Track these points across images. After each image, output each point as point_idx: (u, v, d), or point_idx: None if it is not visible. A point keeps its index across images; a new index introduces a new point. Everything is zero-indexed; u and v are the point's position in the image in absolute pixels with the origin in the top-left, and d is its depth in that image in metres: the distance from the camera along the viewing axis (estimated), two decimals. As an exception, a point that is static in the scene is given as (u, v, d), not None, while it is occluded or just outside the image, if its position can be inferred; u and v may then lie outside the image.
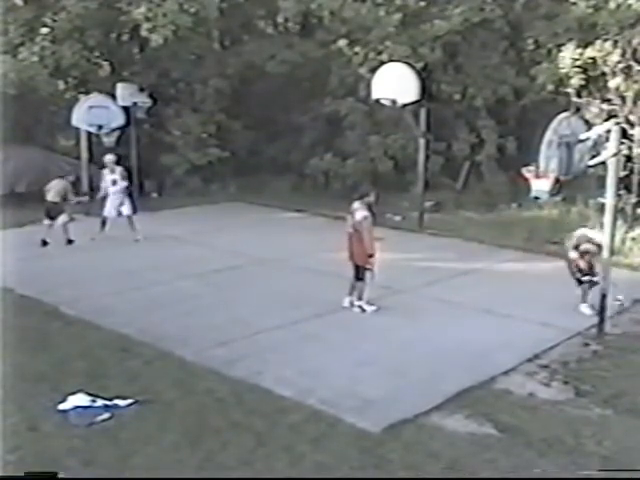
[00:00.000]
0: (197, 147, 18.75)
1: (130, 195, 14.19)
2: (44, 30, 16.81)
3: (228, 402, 6.91)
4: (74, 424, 6.43)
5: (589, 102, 13.69)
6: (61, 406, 6.69)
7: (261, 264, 12.30)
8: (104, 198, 13.80)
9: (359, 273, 9.67)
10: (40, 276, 11.13)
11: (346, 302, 9.80)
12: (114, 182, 13.67)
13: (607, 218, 8.82)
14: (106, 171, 13.83)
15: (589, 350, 8.50)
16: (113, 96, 17.93)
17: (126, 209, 13.86)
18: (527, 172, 13.64)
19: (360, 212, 9.51)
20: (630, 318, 9.64)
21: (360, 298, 9.75)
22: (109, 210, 13.73)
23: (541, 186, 13.39)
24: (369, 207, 9.65)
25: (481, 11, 15.81)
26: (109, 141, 18.41)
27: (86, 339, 8.54)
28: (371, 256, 9.54)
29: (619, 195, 10.99)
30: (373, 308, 9.72)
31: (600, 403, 7.04)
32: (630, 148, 12.88)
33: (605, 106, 13.44)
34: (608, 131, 8.79)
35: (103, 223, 13.78)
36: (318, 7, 16.47)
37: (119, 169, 13.86)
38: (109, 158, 13.85)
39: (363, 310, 9.70)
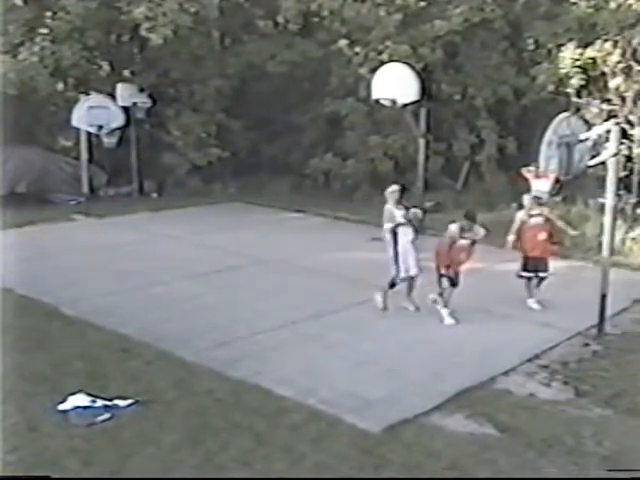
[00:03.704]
0: (197, 147, 18.76)
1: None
2: (44, 30, 16.78)
3: (228, 402, 6.90)
4: (74, 424, 6.43)
5: (589, 102, 13.69)
6: (61, 406, 6.69)
7: (261, 264, 12.29)
8: (396, 251, 9.48)
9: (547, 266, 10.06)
10: (40, 276, 11.13)
11: (534, 303, 9.96)
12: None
13: (607, 218, 8.82)
14: (390, 206, 9.39)
15: (589, 350, 8.50)
16: (113, 96, 17.97)
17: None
18: (527, 172, 13.67)
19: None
20: (630, 318, 9.65)
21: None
22: (414, 266, 9.54)
23: (541, 186, 13.42)
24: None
25: (481, 11, 15.81)
26: (109, 141, 18.46)
27: (86, 339, 8.53)
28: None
29: (619, 195, 10.99)
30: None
31: (600, 403, 7.04)
32: (630, 148, 12.89)
33: (605, 106, 13.45)
34: (608, 131, 8.79)
35: (393, 285, 9.61)
36: (318, 7, 16.48)
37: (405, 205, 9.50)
38: (393, 189, 9.42)
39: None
